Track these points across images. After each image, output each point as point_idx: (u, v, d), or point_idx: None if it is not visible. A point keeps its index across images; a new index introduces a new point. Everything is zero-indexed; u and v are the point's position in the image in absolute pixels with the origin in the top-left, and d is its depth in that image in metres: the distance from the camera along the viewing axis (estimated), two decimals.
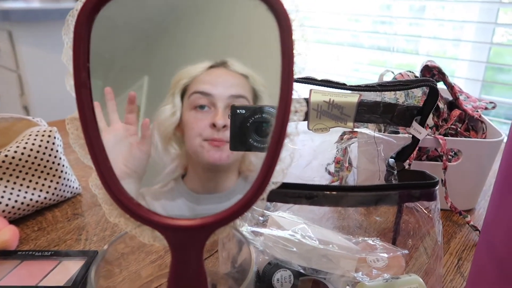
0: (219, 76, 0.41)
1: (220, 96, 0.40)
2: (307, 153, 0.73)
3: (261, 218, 0.35)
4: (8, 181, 0.50)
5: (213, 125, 0.40)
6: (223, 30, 0.42)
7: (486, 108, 0.60)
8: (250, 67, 0.42)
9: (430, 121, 0.58)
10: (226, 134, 0.40)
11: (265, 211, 0.36)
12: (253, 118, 0.39)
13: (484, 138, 0.57)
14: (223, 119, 0.40)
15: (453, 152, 0.58)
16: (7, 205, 0.49)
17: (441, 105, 0.60)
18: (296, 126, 0.27)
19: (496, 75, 1.31)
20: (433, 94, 0.38)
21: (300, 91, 0.28)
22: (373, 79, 1.52)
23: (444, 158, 0.51)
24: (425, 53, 1.40)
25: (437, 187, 0.34)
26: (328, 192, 0.30)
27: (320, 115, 0.38)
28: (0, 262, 0.43)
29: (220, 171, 0.42)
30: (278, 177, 0.27)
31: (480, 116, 0.58)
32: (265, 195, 0.27)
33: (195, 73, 0.41)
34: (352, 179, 0.62)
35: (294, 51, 0.24)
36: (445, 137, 0.51)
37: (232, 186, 0.43)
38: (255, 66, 0.42)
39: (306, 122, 0.38)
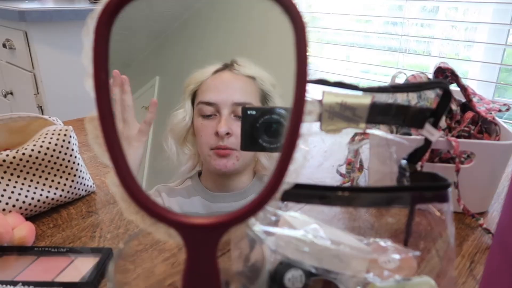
0: (223, 83, 0.41)
1: (224, 103, 0.41)
2: (318, 154, 0.73)
3: (273, 217, 0.35)
4: (25, 178, 0.51)
5: (217, 133, 0.41)
6: (237, 31, 0.42)
7: (500, 111, 0.59)
8: (261, 67, 0.42)
9: (443, 123, 0.58)
10: (231, 141, 0.41)
11: (277, 210, 0.37)
12: (262, 119, 0.39)
13: (498, 140, 0.57)
14: (225, 127, 0.40)
15: (466, 155, 0.58)
16: (24, 202, 0.50)
17: (454, 107, 0.59)
18: (309, 127, 0.27)
19: (510, 77, 1.29)
20: (446, 96, 0.38)
21: (312, 93, 0.28)
22: (384, 81, 1.51)
23: (456, 160, 0.51)
24: (437, 55, 1.39)
25: (449, 189, 0.34)
26: (341, 193, 0.30)
27: (333, 116, 0.38)
28: (17, 258, 0.44)
29: (230, 176, 0.43)
30: (292, 177, 0.27)
31: (493, 119, 0.58)
32: (278, 194, 0.27)
33: (201, 78, 0.42)
34: (363, 181, 0.62)
35: (308, 53, 0.24)
36: (458, 139, 0.51)
37: (246, 185, 0.43)
38: (267, 66, 0.42)
39: (318, 123, 0.39)
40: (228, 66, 0.42)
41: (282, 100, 0.42)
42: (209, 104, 0.41)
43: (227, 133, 0.41)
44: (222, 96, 0.41)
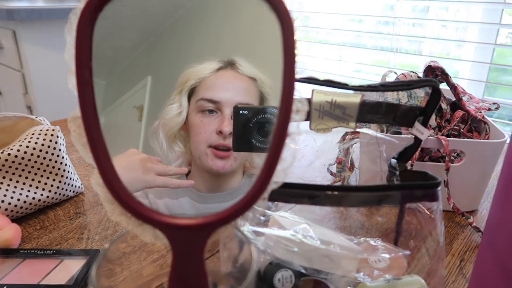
0: (227, 81, 0.41)
1: (227, 102, 0.40)
2: (309, 154, 0.73)
3: (262, 217, 0.35)
4: (11, 179, 0.50)
5: (220, 132, 0.40)
6: (230, 29, 0.42)
7: (489, 109, 0.60)
8: (257, 68, 0.41)
9: (433, 122, 0.58)
10: (232, 140, 0.40)
11: (266, 210, 0.36)
12: (255, 119, 0.39)
13: (487, 139, 0.57)
14: (229, 127, 0.39)
15: (456, 153, 0.58)
16: (9, 203, 0.49)
17: (444, 106, 0.59)
18: (298, 126, 0.27)
19: (500, 76, 1.30)
20: (436, 94, 0.38)
21: (302, 91, 0.28)
22: (375, 80, 1.52)
23: (446, 159, 0.51)
24: (428, 54, 1.40)
25: (439, 188, 0.34)
26: (330, 192, 0.30)
27: (322, 115, 0.38)
28: (2, 260, 0.43)
29: (223, 176, 0.42)
30: (280, 176, 0.27)
31: (483, 117, 0.58)
32: (266, 194, 0.27)
33: (203, 74, 0.41)
34: (354, 180, 0.62)
35: (296, 51, 0.24)
36: (448, 138, 0.51)
37: (236, 185, 0.43)
38: (261, 66, 0.42)
39: (308, 122, 0.38)
40: (230, 65, 0.41)
41: (276, 101, 0.42)
42: (212, 101, 0.40)
43: (230, 133, 0.40)
44: (226, 95, 0.40)
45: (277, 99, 0.42)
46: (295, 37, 0.23)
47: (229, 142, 0.40)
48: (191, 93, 0.42)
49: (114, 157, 0.38)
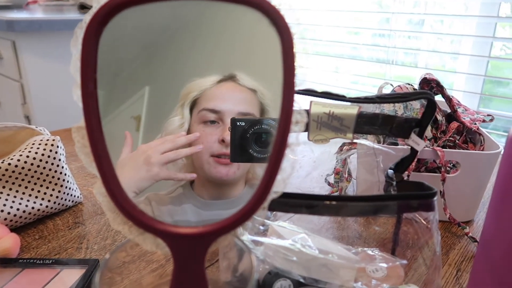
0: (228, 92, 0.42)
1: (228, 112, 0.41)
2: (307, 164, 0.73)
3: (261, 227, 0.35)
4: (10, 189, 0.50)
5: (222, 141, 0.41)
6: (229, 43, 0.42)
7: (484, 121, 0.61)
8: (256, 81, 0.42)
9: (428, 133, 0.59)
10: None
11: (265, 220, 0.37)
12: (253, 129, 0.39)
13: (482, 150, 0.58)
14: None
15: (452, 164, 0.59)
16: (9, 213, 0.50)
17: (439, 117, 0.60)
18: (297, 137, 0.28)
19: (494, 88, 1.32)
20: (431, 106, 0.39)
21: (300, 102, 0.29)
22: (372, 91, 1.53)
23: (442, 169, 0.51)
24: (424, 66, 1.42)
25: (435, 198, 0.34)
26: (328, 202, 0.31)
27: (320, 126, 0.39)
28: (1, 270, 0.43)
29: (226, 185, 0.43)
30: (279, 186, 0.28)
31: (478, 129, 0.59)
32: (266, 204, 0.27)
33: (204, 86, 0.42)
34: (351, 190, 0.62)
35: (295, 64, 0.24)
36: (444, 149, 0.52)
37: (239, 193, 0.43)
38: (261, 79, 0.43)
39: (306, 133, 0.39)
40: (231, 78, 0.42)
41: (277, 113, 0.43)
42: (213, 111, 0.41)
43: None
44: (227, 104, 0.41)
45: (277, 110, 0.43)
46: (294, 51, 0.24)
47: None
48: (193, 105, 0.43)
49: (123, 157, 0.38)
